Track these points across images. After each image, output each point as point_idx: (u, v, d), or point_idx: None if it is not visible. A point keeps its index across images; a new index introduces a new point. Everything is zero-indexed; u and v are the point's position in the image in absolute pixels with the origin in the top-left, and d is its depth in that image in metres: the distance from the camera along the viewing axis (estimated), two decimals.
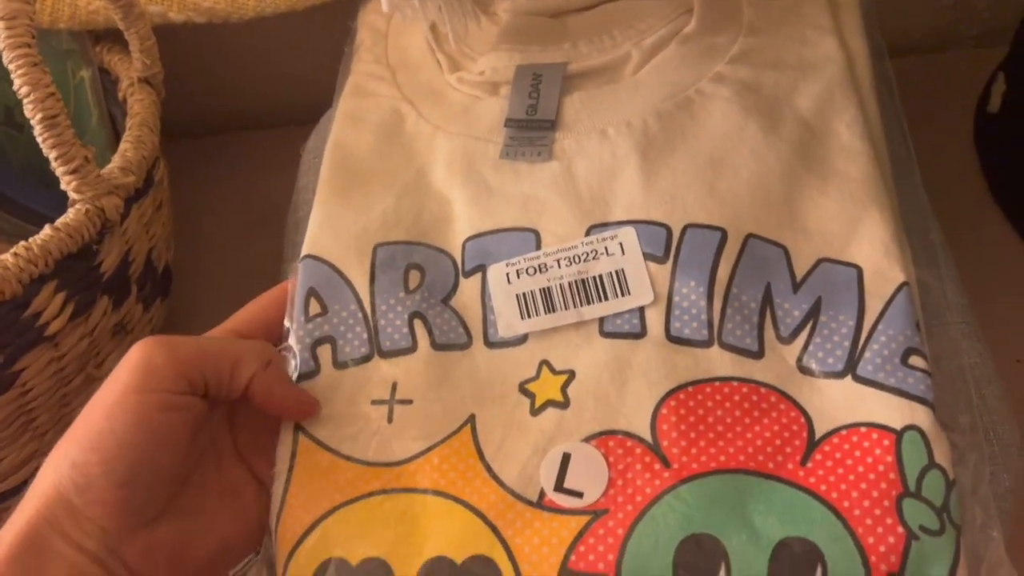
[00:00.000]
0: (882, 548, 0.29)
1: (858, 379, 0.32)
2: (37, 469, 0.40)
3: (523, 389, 0.34)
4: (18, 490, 0.40)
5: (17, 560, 0.27)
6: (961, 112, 0.54)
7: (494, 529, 0.31)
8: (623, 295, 0.35)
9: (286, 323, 0.36)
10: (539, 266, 0.36)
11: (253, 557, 0.34)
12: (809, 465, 0.31)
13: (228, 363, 0.32)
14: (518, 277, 0.36)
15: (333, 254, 0.37)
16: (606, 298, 0.35)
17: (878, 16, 0.45)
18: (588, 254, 0.36)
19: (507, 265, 0.36)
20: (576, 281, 0.35)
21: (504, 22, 0.44)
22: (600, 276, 0.35)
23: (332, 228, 0.38)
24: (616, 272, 0.35)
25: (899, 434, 0.31)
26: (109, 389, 0.30)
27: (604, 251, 0.36)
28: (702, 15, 0.42)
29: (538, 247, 0.37)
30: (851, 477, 0.31)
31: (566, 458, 0.32)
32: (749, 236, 0.35)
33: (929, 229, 0.40)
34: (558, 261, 0.36)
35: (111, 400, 0.29)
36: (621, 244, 0.36)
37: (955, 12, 0.57)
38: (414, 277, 0.37)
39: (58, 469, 0.29)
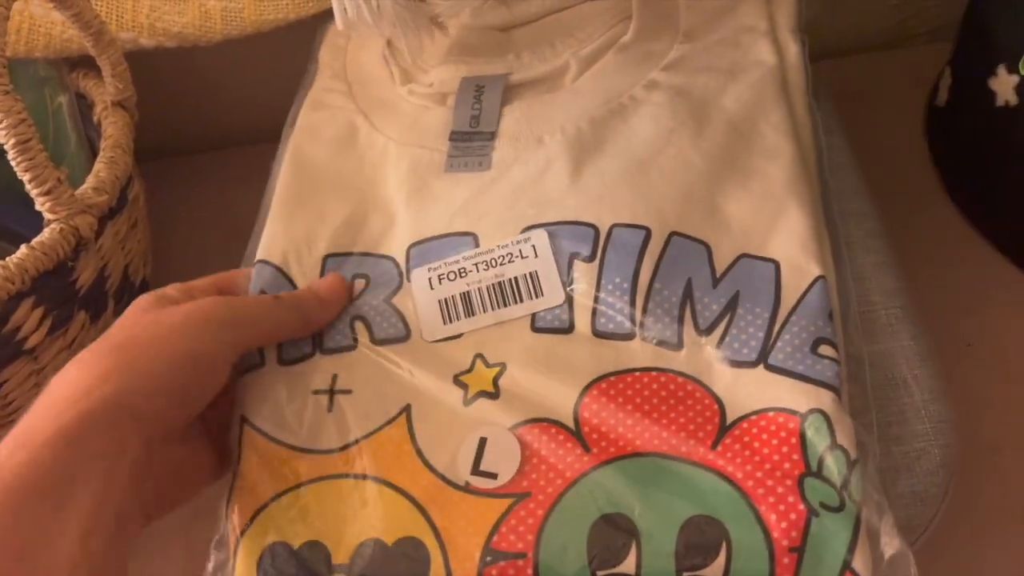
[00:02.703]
0: (783, 524, 0.30)
1: (769, 367, 0.33)
2: None
3: (457, 381, 0.36)
4: None
5: (75, 439, 0.28)
6: (914, 106, 0.55)
7: (424, 512, 0.33)
8: (536, 296, 0.36)
9: None
10: (459, 271, 0.37)
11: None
12: (719, 449, 0.32)
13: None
14: (440, 283, 0.37)
15: (285, 261, 0.39)
16: (521, 300, 0.36)
17: (831, 15, 0.46)
18: (504, 257, 0.37)
19: (429, 270, 0.38)
20: (493, 284, 0.37)
21: (454, 35, 0.46)
22: (515, 279, 0.37)
23: (286, 236, 0.40)
24: (529, 274, 0.37)
25: (803, 417, 0.32)
26: (177, 330, 0.33)
27: (519, 254, 0.37)
28: (639, 23, 0.43)
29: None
30: (756, 459, 0.32)
31: (482, 442, 0.34)
32: (673, 234, 0.37)
33: (868, 217, 0.41)
34: (476, 265, 0.37)
35: (182, 336, 0.33)
36: (534, 247, 0.37)
37: (902, 10, 0.58)
38: (359, 286, 0.38)
39: (121, 375, 0.30)
